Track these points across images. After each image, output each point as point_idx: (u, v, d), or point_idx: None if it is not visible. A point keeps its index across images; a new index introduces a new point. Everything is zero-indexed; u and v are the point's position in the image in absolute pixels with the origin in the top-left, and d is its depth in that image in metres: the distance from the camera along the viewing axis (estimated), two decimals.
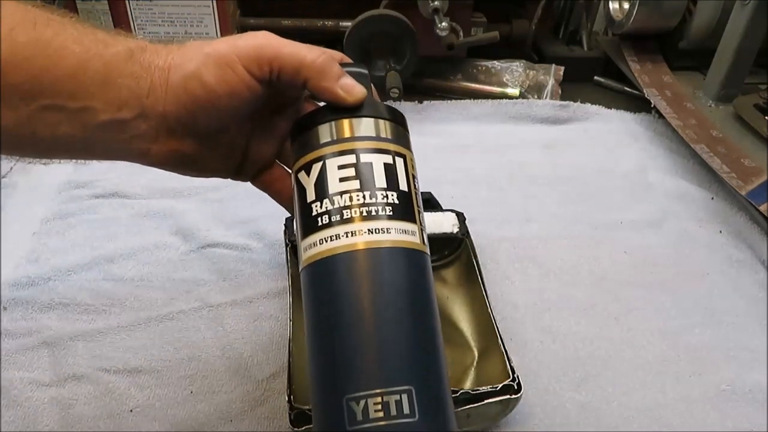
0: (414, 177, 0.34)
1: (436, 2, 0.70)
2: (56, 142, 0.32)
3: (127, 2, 0.70)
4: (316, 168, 0.32)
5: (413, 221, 0.32)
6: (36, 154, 0.34)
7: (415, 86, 0.81)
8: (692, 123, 0.69)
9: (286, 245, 0.50)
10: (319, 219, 0.31)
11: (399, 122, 0.35)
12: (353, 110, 0.33)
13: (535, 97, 0.81)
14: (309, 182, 0.32)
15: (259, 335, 0.48)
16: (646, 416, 0.43)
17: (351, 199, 0.31)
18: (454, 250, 0.53)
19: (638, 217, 0.61)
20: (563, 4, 0.90)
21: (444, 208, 0.54)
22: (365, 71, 0.35)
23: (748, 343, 0.49)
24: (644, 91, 0.75)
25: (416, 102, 0.78)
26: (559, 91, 0.82)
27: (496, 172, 0.67)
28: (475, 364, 0.45)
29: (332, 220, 0.30)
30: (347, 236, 0.30)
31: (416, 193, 0.33)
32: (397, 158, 0.32)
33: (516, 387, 0.39)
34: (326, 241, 0.30)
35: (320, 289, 0.30)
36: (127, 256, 0.54)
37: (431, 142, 0.71)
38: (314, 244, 0.31)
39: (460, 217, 0.52)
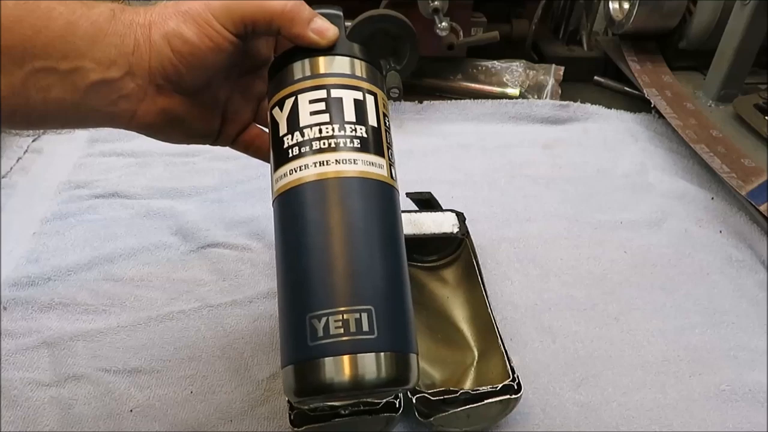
0: (385, 116, 0.35)
1: (436, 2, 0.70)
2: (47, 108, 0.32)
3: (127, 2, 0.71)
4: (288, 103, 0.33)
5: (381, 155, 0.33)
6: (26, 124, 0.35)
7: (415, 86, 0.81)
8: (692, 123, 0.69)
9: None
10: (290, 150, 0.32)
11: (372, 63, 0.35)
12: (327, 49, 0.34)
13: (535, 97, 0.81)
14: (282, 116, 0.33)
15: (259, 335, 0.48)
16: (646, 416, 0.43)
17: (321, 131, 0.32)
18: (454, 250, 0.53)
19: (638, 217, 0.61)
20: (563, 4, 0.90)
21: (444, 208, 0.53)
22: (338, 12, 0.36)
23: (748, 343, 0.49)
24: (644, 91, 0.75)
25: (416, 102, 0.78)
26: (559, 91, 0.82)
27: (496, 172, 0.67)
28: (475, 364, 0.45)
29: (302, 151, 0.32)
30: (315, 166, 0.31)
31: (386, 131, 0.34)
32: (367, 95, 0.34)
33: (516, 387, 0.39)
34: (296, 171, 0.32)
35: (289, 216, 0.32)
36: (127, 256, 0.54)
37: (431, 142, 0.71)
38: (285, 175, 0.32)
39: (460, 217, 0.52)
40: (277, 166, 0.33)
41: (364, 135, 0.32)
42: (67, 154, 0.68)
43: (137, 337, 0.47)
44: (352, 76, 0.34)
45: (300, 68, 0.34)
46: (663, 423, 0.43)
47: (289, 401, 0.38)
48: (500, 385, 0.39)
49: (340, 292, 0.29)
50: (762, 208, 0.56)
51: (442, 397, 0.38)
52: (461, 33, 0.77)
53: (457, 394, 0.38)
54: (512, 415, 0.41)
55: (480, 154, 0.71)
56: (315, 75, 0.33)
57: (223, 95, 0.39)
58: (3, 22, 0.29)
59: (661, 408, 0.44)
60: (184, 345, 0.47)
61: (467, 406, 0.38)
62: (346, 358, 0.28)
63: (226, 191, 0.63)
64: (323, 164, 0.31)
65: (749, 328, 0.50)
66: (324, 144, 0.31)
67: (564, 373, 0.46)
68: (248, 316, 0.49)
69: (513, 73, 0.82)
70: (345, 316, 0.29)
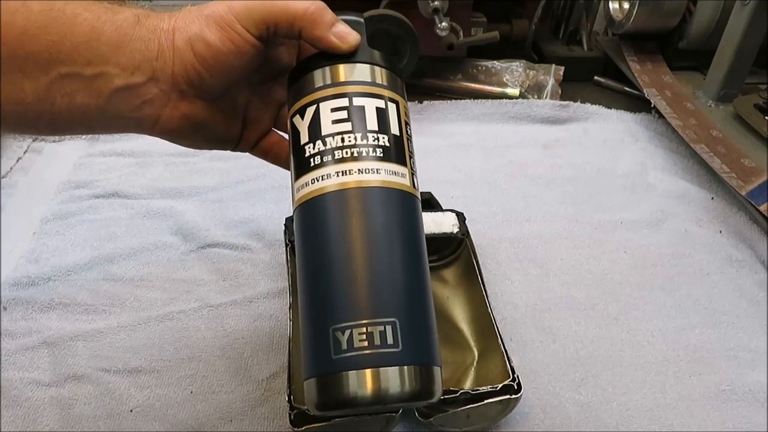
0: (407, 123, 0.34)
1: (436, 2, 0.70)
2: (72, 114, 0.32)
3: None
4: (310, 111, 0.33)
5: (403, 164, 0.32)
6: (52, 130, 0.35)
7: (415, 86, 0.81)
8: (692, 123, 0.69)
9: (286, 245, 0.50)
10: (312, 159, 0.32)
11: (393, 70, 0.35)
12: (348, 56, 0.34)
13: (535, 97, 0.81)
14: (303, 125, 0.33)
15: (259, 335, 0.48)
16: (646, 416, 0.43)
17: (343, 140, 0.31)
18: (454, 250, 0.53)
19: (638, 217, 0.61)
20: (563, 4, 0.90)
21: (444, 208, 0.53)
22: (360, 19, 0.36)
23: (748, 343, 0.49)
24: (644, 91, 0.75)
25: (416, 102, 0.78)
26: (559, 91, 0.82)
27: (496, 172, 0.67)
28: (475, 364, 0.45)
29: (324, 160, 0.31)
30: (338, 175, 0.31)
31: (408, 139, 0.34)
32: (389, 103, 0.33)
33: (516, 387, 0.39)
34: (318, 180, 0.31)
35: (310, 226, 0.32)
36: (127, 256, 0.54)
37: (431, 142, 0.71)
38: (306, 184, 0.32)
39: (460, 217, 0.52)
40: (298, 175, 0.33)
41: (387, 144, 0.32)
42: (67, 154, 0.68)
43: (137, 337, 0.47)
44: (374, 83, 0.33)
45: (321, 76, 0.34)
46: (663, 423, 0.43)
47: (289, 401, 0.38)
48: (500, 385, 0.39)
49: (364, 304, 0.29)
50: (762, 208, 0.56)
51: (442, 397, 0.38)
52: (461, 33, 0.76)
53: (457, 394, 0.38)
54: (512, 415, 0.41)
55: (480, 154, 0.71)
56: (336, 83, 0.33)
57: (244, 100, 0.39)
58: (29, 28, 0.30)
59: (661, 408, 0.44)
60: (184, 345, 0.47)
61: (467, 406, 0.38)
62: (369, 372, 0.28)
63: (226, 191, 0.62)
64: (345, 174, 0.31)
65: (749, 328, 0.50)
66: (346, 153, 0.31)
67: (564, 373, 0.46)
68: (248, 316, 0.49)
69: (513, 73, 0.82)
70: (369, 329, 0.28)
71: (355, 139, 0.31)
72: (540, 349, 0.48)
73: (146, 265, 0.54)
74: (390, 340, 0.28)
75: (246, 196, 0.62)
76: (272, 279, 0.52)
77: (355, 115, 0.32)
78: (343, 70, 0.33)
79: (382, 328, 0.28)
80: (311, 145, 0.32)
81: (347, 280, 0.30)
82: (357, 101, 0.32)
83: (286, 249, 0.50)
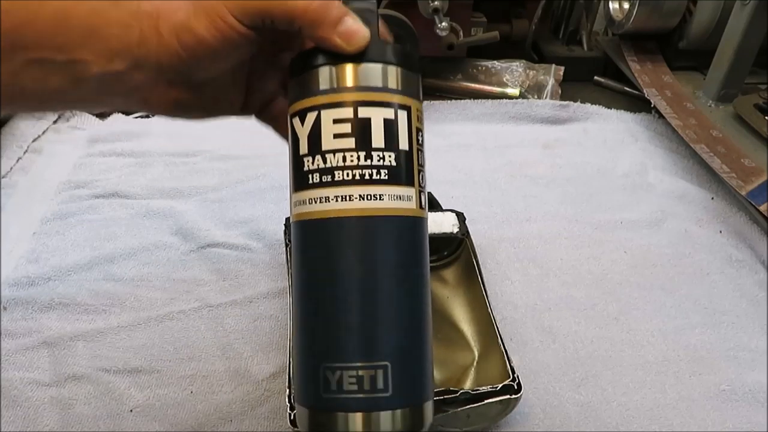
0: (419, 131, 0.31)
1: (436, 2, 0.70)
2: (48, 96, 0.30)
3: None
4: (310, 118, 0.30)
5: (410, 184, 0.30)
6: (28, 109, 0.32)
7: None
8: (692, 123, 0.69)
9: (286, 245, 0.50)
10: (310, 176, 0.29)
11: (407, 66, 0.31)
12: (356, 55, 0.30)
13: (535, 97, 0.81)
14: (303, 133, 0.30)
15: (259, 335, 0.48)
16: (646, 416, 0.43)
17: (345, 159, 0.29)
18: (454, 250, 0.53)
19: (638, 217, 0.61)
20: (563, 4, 0.90)
21: (444, 208, 0.53)
22: (372, 6, 0.32)
23: (748, 343, 0.49)
24: (644, 91, 0.75)
25: None
26: (559, 91, 0.82)
27: (496, 172, 0.67)
28: (475, 364, 0.45)
29: (323, 180, 0.29)
30: (337, 200, 0.29)
31: (418, 150, 0.31)
32: (400, 112, 0.30)
33: (516, 387, 0.39)
34: (316, 202, 0.29)
35: (307, 252, 0.30)
36: (127, 256, 0.54)
37: (431, 142, 0.70)
38: (303, 202, 0.30)
39: (460, 217, 0.52)
40: (296, 188, 0.31)
41: (393, 163, 0.29)
42: (67, 154, 0.68)
43: (137, 337, 0.47)
44: (384, 89, 0.30)
45: (325, 77, 0.30)
46: (663, 423, 0.43)
47: (289, 401, 0.38)
48: (500, 385, 0.39)
49: (356, 346, 0.28)
50: (762, 208, 0.56)
51: (442, 397, 0.38)
52: (461, 33, 0.76)
53: (457, 394, 0.38)
54: (512, 415, 0.41)
55: (480, 154, 0.71)
56: (341, 89, 0.30)
57: (243, 75, 0.36)
58: None
59: (661, 408, 0.44)
60: (184, 345, 0.47)
61: (467, 406, 0.38)
62: (358, 416, 0.28)
63: (226, 191, 0.62)
64: (345, 199, 0.29)
65: (749, 328, 0.50)
66: (347, 175, 0.29)
67: (564, 373, 0.46)
68: (248, 316, 0.49)
69: (513, 73, 0.82)
70: (360, 372, 0.28)
71: (358, 159, 0.29)
72: (540, 349, 0.48)
73: (146, 265, 0.53)
74: (380, 385, 0.28)
75: (246, 196, 0.62)
76: (272, 279, 0.52)
77: (359, 129, 0.29)
78: (350, 73, 0.30)
79: (373, 372, 0.28)
80: (310, 159, 0.30)
81: (340, 319, 0.29)
82: (363, 112, 0.29)
83: (286, 249, 0.50)
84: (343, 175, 0.29)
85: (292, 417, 0.37)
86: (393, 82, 0.30)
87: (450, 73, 0.82)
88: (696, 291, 0.53)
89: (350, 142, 0.29)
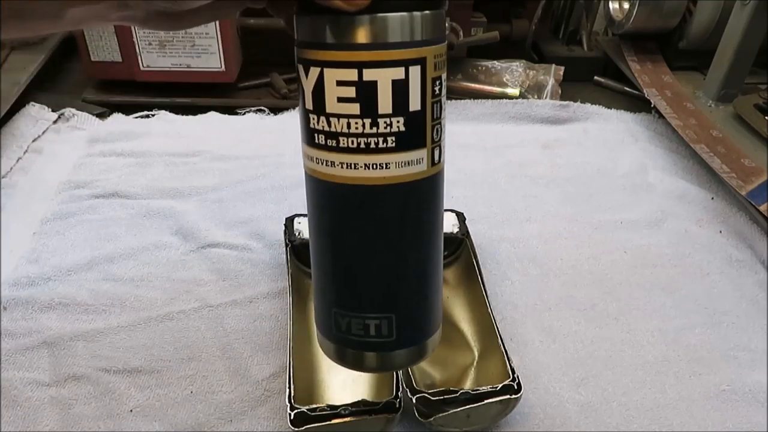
0: (435, 80, 0.28)
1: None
2: (27, 23, 0.28)
3: None
4: (314, 73, 0.27)
5: (421, 146, 0.28)
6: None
7: None
8: (692, 123, 0.69)
9: (286, 245, 0.50)
10: (316, 136, 0.28)
11: (423, 6, 0.27)
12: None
13: (535, 97, 0.81)
14: (307, 85, 0.28)
15: (259, 335, 0.48)
16: (646, 416, 0.43)
17: (349, 125, 0.27)
18: (454, 250, 0.53)
19: (638, 217, 0.61)
20: (563, 4, 0.90)
21: (444, 208, 0.53)
22: None
23: (748, 343, 0.49)
24: (644, 91, 0.75)
25: None
26: (559, 91, 0.82)
27: (496, 172, 0.67)
28: (475, 364, 0.45)
29: (328, 143, 0.28)
30: (342, 167, 0.28)
31: (433, 105, 0.28)
32: (411, 69, 0.27)
33: (516, 387, 0.39)
34: (322, 164, 0.28)
35: (317, 207, 0.31)
36: (127, 256, 0.54)
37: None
38: (312, 159, 0.29)
39: (460, 217, 0.52)
40: (305, 140, 0.29)
41: (401, 129, 0.27)
42: (67, 154, 0.68)
43: (137, 337, 0.47)
44: (393, 45, 0.27)
45: (330, 29, 0.27)
46: (663, 423, 0.43)
47: (289, 401, 0.38)
48: (500, 385, 0.39)
49: (363, 299, 0.30)
50: (762, 208, 0.56)
51: (442, 397, 0.38)
52: (461, 33, 0.77)
53: (457, 394, 0.38)
54: (512, 415, 0.41)
55: (480, 154, 0.71)
56: (346, 45, 0.27)
57: None
58: None
59: (661, 408, 0.44)
60: (184, 345, 0.47)
61: (467, 406, 0.38)
62: (367, 354, 0.31)
63: (226, 191, 0.62)
64: (351, 167, 0.28)
65: (749, 328, 0.50)
66: (352, 143, 0.27)
67: (564, 373, 0.46)
68: (248, 316, 0.49)
69: (513, 73, 0.82)
70: (366, 321, 0.30)
71: (363, 126, 0.27)
72: (540, 349, 0.48)
73: (146, 265, 0.53)
74: (385, 332, 0.30)
75: (246, 196, 0.62)
76: (272, 279, 0.52)
77: (364, 94, 0.27)
78: (355, 30, 0.26)
79: (378, 322, 0.30)
80: (315, 117, 0.28)
81: (348, 273, 0.30)
82: (368, 74, 0.26)
83: (286, 249, 0.50)
84: (348, 142, 0.27)
85: (292, 417, 0.37)
86: (403, 34, 0.27)
87: (450, 73, 0.82)
88: (696, 291, 0.53)
89: (355, 108, 0.27)
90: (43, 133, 0.71)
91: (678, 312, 0.51)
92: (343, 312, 0.30)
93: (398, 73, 0.27)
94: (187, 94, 0.77)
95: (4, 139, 0.68)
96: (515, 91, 0.81)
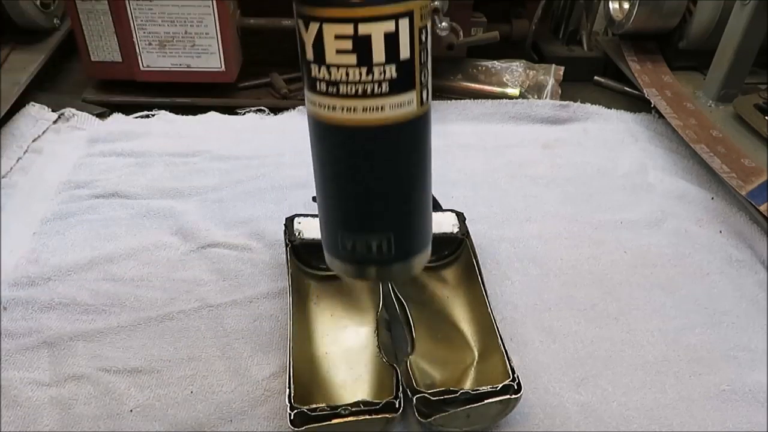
0: (422, 29, 0.32)
1: (436, 2, 0.70)
2: None
3: (127, 2, 0.70)
4: (313, 28, 0.31)
5: (411, 88, 0.32)
6: None
7: None
8: (692, 123, 0.69)
9: (286, 245, 0.50)
10: (318, 84, 0.32)
11: None
12: None
13: (535, 97, 0.81)
14: (308, 39, 0.31)
15: (259, 335, 0.48)
16: (646, 416, 0.43)
17: (348, 74, 0.31)
18: (454, 250, 0.53)
19: (638, 217, 0.61)
20: (563, 4, 0.90)
21: (444, 208, 0.53)
22: None
23: (748, 343, 0.49)
24: (644, 91, 0.75)
25: None
26: (559, 91, 0.82)
27: (496, 172, 0.67)
28: (475, 364, 0.45)
29: (329, 90, 0.31)
30: (343, 111, 0.31)
31: (420, 51, 0.32)
32: (401, 21, 0.31)
33: (516, 387, 0.39)
34: (323, 108, 0.32)
35: (322, 146, 0.34)
36: (127, 256, 0.54)
37: (431, 142, 0.71)
38: (314, 104, 0.32)
39: (460, 217, 0.52)
40: (307, 87, 0.33)
41: (394, 75, 0.31)
42: (67, 154, 0.68)
43: (137, 337, 0.47)
44: (385, 0, 0.30)
45: None
46: (663, 423, 0.43)
47: (289, 401, 0.38)
48: (500, 385, 0.39)
49: (365, 222, 0.35)
50: (762, 208, 0.56)
51: (442, 397, 0.38)
52: (461, 33, 0.76)
53: (457, 394, 0.38)
54: (512, 415, 0.41)
55: (480, 154, 0.71)
56: (343, 2, 0.30)
57: None
58: None
59: (661, 408, 0.44)
60: (184, 345, 0.47)
61: (467, 406, 0.38)
62: (368, 268, 0.36)
63: (226, 191, 0.62)
64: (350, 111, 0.31)
65: (749, 328, 0.50)
66: (351, 90, 0.31)
67: (564, 373, 0.46)
68: (248, 316, 0.49)
69: (513, 73, 0.82)
70: (368, 242, 0.34)
71: (360, 74, 0.30)
72: (540, 349, 0.48)
73: (146, 265, 0.54)
74: (385, 249, 0.35)
75: (246, 196, 0.62)
76: (272, 279, 0.52)
77: (360, 46, 0.30)
78: None
79: (378, 241, 0.34)
80: (317, 67, 0.31)
81: (351, 201, 0.34)
82: (363, 29, 0.30)
83: (286, 249, 0.50)
84: (347, 89, 0.31)
85: (292, 417, 0.37)
86: None
87: (450, 73, 0.82)
88: (696, 291, 0.53)
89: (352, 59, 0.30)
90: (43, 133, 0.71)
91: (678, 312, 0.51)
92: (348, 234, 0.35)
93: (389, 26, 0.30)
94: (187, 94, 0.77)
95: (4, 139, 0.68)
96: (515, 91, 0.81)
